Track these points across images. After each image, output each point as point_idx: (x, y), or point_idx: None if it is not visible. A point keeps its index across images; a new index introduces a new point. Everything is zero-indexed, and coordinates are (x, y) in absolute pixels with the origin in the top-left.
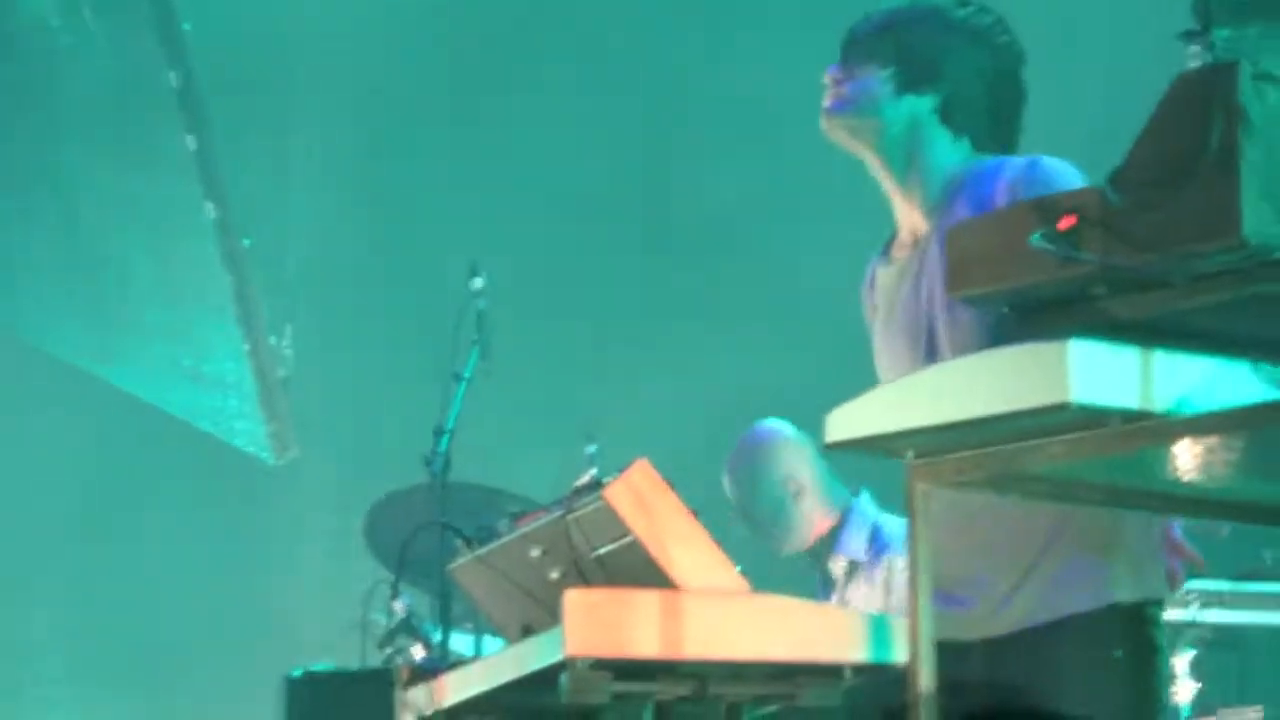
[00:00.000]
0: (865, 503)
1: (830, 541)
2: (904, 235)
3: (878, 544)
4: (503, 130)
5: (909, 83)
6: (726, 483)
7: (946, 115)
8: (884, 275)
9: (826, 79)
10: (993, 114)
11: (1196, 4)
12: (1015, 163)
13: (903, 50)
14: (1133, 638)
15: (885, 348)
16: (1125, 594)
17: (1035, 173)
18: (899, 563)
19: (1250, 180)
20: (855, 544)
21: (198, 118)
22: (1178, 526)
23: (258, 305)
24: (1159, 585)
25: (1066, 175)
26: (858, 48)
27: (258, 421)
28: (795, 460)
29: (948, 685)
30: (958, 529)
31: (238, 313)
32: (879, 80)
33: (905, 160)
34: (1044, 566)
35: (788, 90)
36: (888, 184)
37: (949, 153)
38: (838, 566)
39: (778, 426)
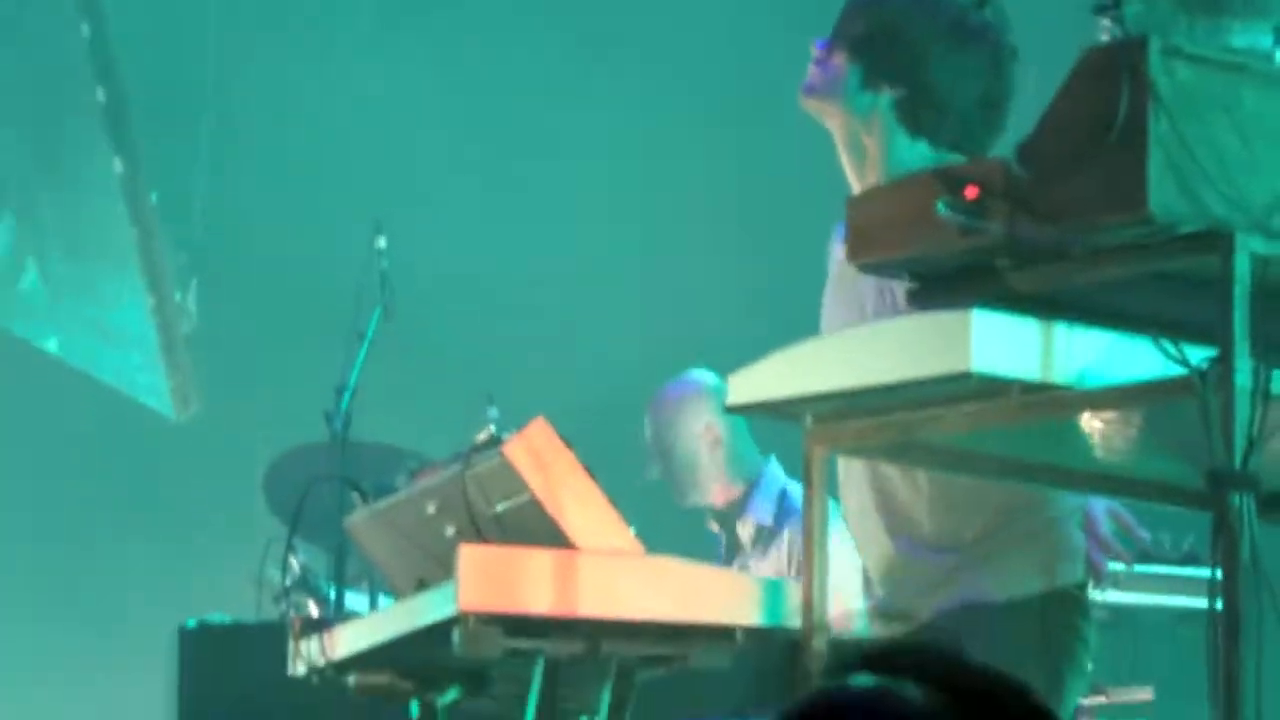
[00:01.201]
0: (774, 468)
1: (740, 505)
2: None
3: (784, 510)
4: (404, 91)
5: (872, 78)
6: (647, 422)
7: (904, 114)
8: (838, 246)
9: (812, 51)
10: (960, 115)
11: None
12: None
13: (874, 43)
14: (1065, 621)
15: (828, 316)
16: (1063, 579)
17: None
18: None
19: (1157, 155)
20: (763, 509)
21: (109, 70)
22: (1102, 521)
23: (163, 260)
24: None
25: None
26: (841, 27)
27: (160, 376)
28: (716, 412)
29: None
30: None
31: (143, 267)
32: (847, 70)
33: (862, 151)
34: (993, 545)
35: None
36: (847, 167)
37: (905, 151)
38: (745, 531)
39: (705, 376)
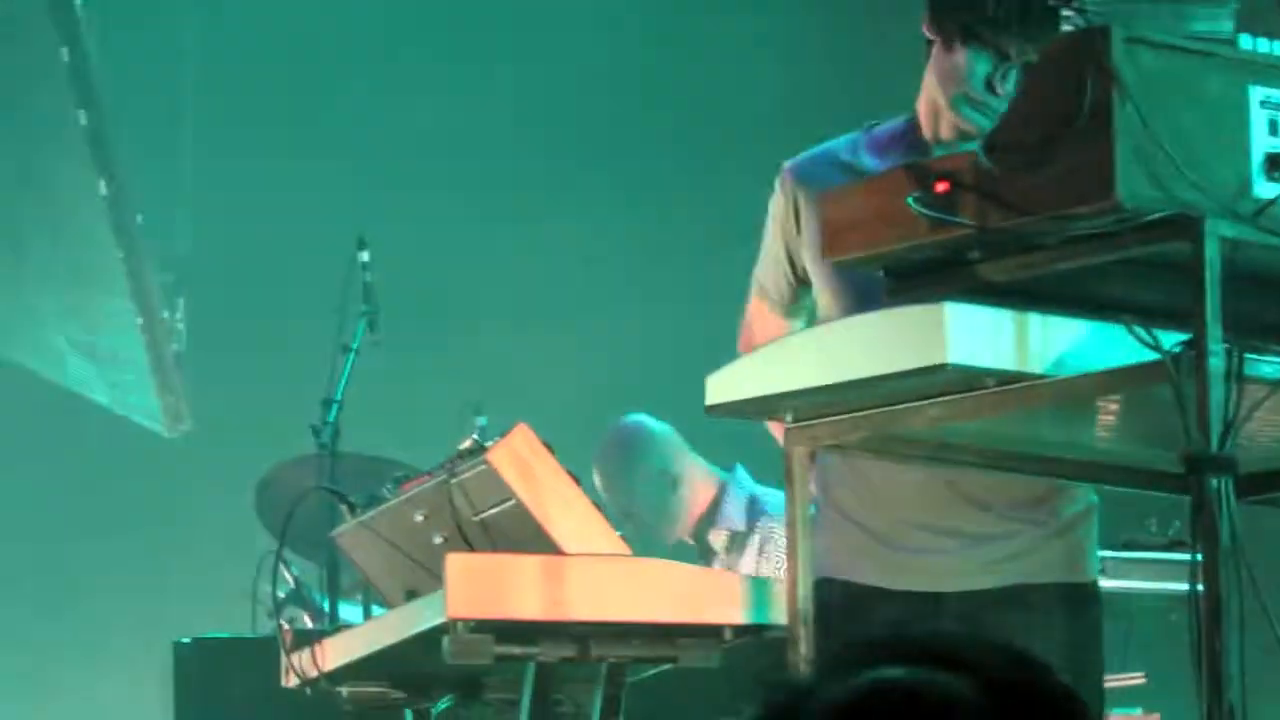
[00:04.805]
0: (741, 476)
1: (709, 518)
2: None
3: (754, 513)
4: (385, 100)
5: None
6: (599, 483)
7: None
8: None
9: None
10: None
11: None
12: None
13: None
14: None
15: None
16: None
17: None
18: (775, 528)
19: (1124, 143)
20: (734, 516)
21: (89, 93)
22: None
23: (150, 280)
24: None
25: None
26: None
27: (151, 395)
28: (664, 451)
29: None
30: (937, 476)
31: (131, 288)
32: None
33: None
34: (1046, 531)
35: None
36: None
37: None
38: (718, 539)
39: (640, 420)
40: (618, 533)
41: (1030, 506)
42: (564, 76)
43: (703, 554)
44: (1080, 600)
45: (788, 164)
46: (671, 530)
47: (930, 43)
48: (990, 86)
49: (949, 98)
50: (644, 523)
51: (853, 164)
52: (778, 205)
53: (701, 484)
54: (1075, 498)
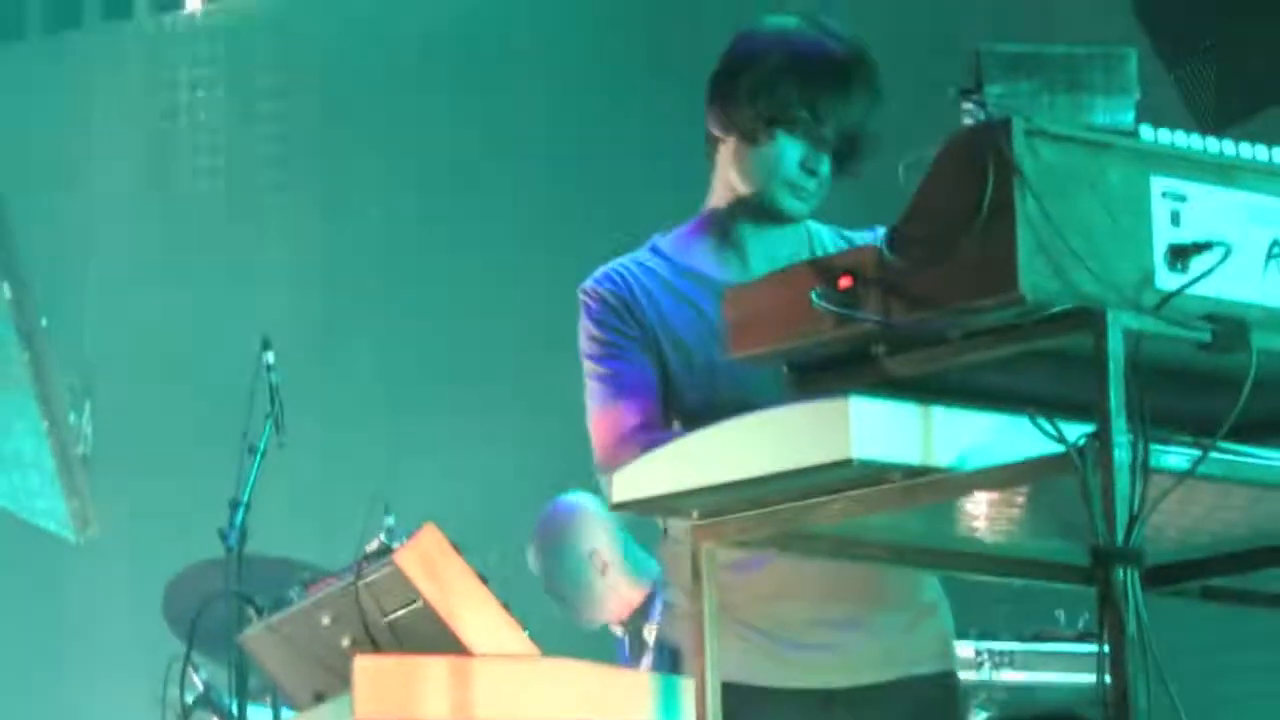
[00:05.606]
0: None
1: (644, 612)
2: None
3: None
4: (289, 213)
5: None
6: (531, 557)
7: None
8: None
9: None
10: None
11: (969, 61)
12: None
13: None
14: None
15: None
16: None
17: None
18: None
19: (1025, 236)
20: None
21: None
22: None
23: (56, 383)
24: None
25: None
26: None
27: (58, 499)
28: (598, 534)
29: None
30: (825, 571)
31: (36, 391)
32: None
33: None
34: (917, 617)
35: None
36: None
37: None
38: (650, 634)
39: (580, 500)
40: (526, 633)
41: (908, 592)
42: (454, 181)
43: (634, 649)
44: (954, 688)
45: (609, 275)
46: (594, 613)
47: (716, 142)
48: (806, 169)
49: (765, 188)
50: (568, 603)
51: (670, 258)
52: (611, 313)
53: (633, 575)
54: (928, 583)
